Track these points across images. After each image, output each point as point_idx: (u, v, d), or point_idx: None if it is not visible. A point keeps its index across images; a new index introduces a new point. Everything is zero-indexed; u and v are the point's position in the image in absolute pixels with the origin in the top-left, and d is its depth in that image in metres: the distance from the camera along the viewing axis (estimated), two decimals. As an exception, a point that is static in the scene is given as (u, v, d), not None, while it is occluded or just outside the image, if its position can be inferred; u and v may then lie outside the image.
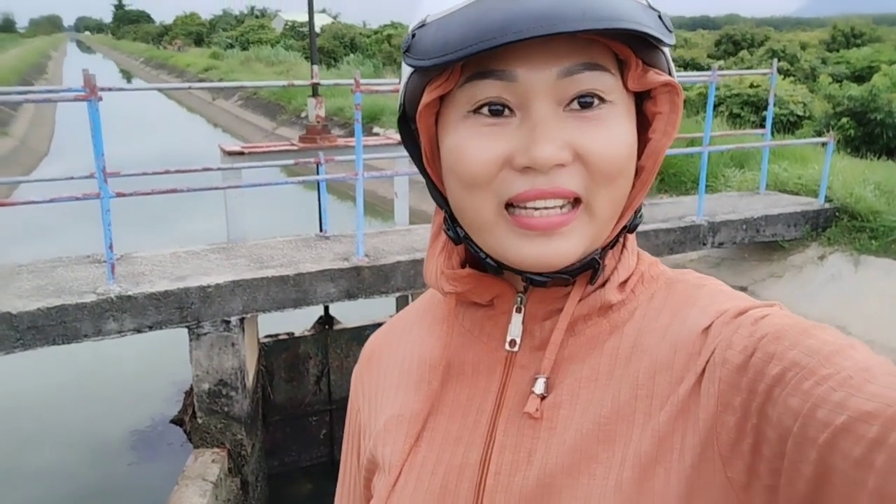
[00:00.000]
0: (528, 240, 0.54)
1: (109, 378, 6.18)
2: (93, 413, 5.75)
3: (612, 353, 0.59)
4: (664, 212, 5.81)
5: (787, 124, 11.73)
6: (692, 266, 6.49)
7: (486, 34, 0.49)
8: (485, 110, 0.54)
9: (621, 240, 0.62)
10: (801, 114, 12.06)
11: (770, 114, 6.54)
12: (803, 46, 23.81)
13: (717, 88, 11.79)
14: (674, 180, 8.12)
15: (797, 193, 6.67)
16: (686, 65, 20.43)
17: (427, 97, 0.55)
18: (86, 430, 5.53)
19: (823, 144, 6.33)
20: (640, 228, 5.26)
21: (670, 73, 0.57)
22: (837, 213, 6.16)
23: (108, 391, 6.06)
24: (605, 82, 0.53)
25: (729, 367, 0.51)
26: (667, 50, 0.56)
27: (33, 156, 16.40)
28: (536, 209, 0.54)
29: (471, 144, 0.54)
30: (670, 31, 0.54)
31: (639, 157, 0.58)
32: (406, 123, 0.61)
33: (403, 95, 0.59)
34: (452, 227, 0.61)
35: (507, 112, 0.54)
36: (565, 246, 0.55)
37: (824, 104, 12.42)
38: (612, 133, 0.54)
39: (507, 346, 0.62)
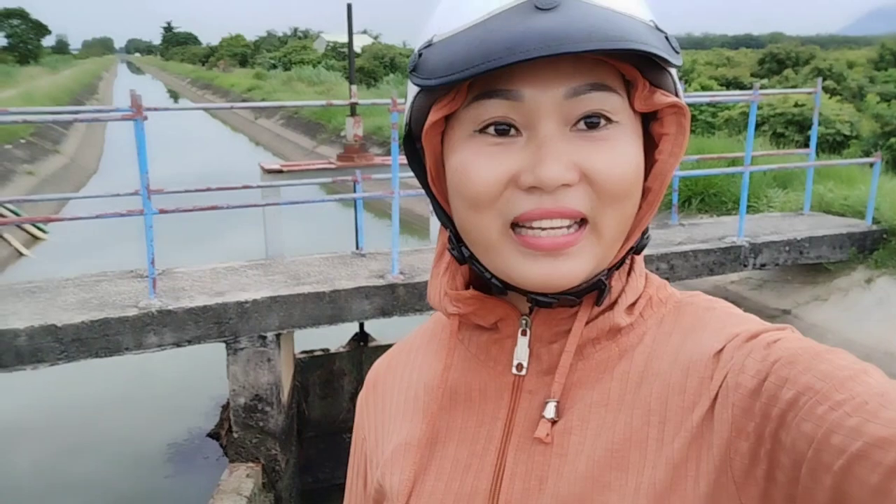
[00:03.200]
0: (534, 260, 0.54)
1: (149, 391, 6.30)
2: (133, 425, 5.86)
3: (622, 378, 0.58)
4: (704, 232, 5.71)
5: (834, 144, 11.47)
6: (733, 288, 6.36)
7: (493, 54, 0.49)
8: (491, 130, 0.54)
9: (628, 262, 0.62)
10: (847, 133, 11.77)
11: (814, 133, 6.41)
12: (850, 65, 23.33)
13: (761, 107, 11.60)
14: (714, 200, 8.00)
15: (843, 215, 6.50)
16: (728, 84, 20.15)
17: (433, 116, 0.56)
18: (126, 442, 5.62)
19: (871, 165, 6.16)
20: (679, 249, 5.20)
21: (677, 95, 0.57)
22: (885, 235, 5.98)
23: (147, 404, 6.17)
24: (611, 103, 0.53)
25: (742, 392, 0.50)
26: (674, 71, 0.56)
27: (83, 173, 16.92)
28: (542, 229, 0.53)
29: (476, 163, 0.54)
30: (677, 52, 0.54)
31: (645, 178, 0.57)
32: (411, 142, 0.61)
33: (409, 114, 0.59)
34: (457, 246, 0.61)
35: (512, 132, 0.54)
36: (571, 266, 0.54)
37: (872, 124, 12.11)
38: (618, 153, 0.53)
39: (514, 371, 0.61)
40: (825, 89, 14.91)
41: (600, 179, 0.53)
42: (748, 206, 5.72)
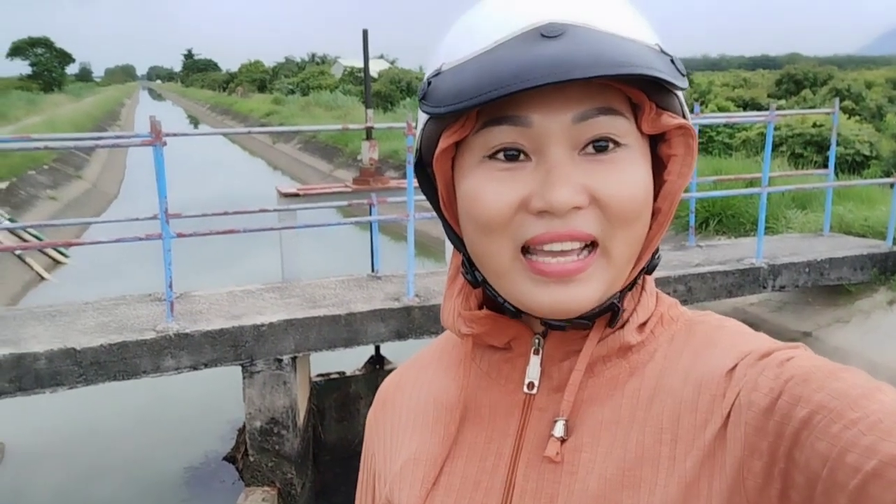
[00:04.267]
0: (545, 286, 0.54)
1: (166, 414, 6.31)
2: (149, 448, 5.87)
3: (633, 395, 0.58)
4: (722, 254, 5.67)
5: (853, 164, 11.38)
6: (753, 310, 6.28)
7: (501, 81, 0.50)
8: (500, 155, 0.55)
9: (640, 281, 0.62)
10: (867, 154, 11.68)
11: (833, 153, 6.37)
12: (869, 85, 23.19)
13: (779, 128, 11.55)
14: (732, 222, 7.94)
15: (864, 235, 6.43)
16: (745, 105, 20.10)
17: (443, 143, 0.56)
18: (142, 465, 5.63)
19: (891, 185, 6.10)
20: (697, 270, 5.15)
21: (684, 116, 0.57)
22: (908, 256, 5.90)
23: (164, 427, 6.18)
24: (619, 126, 0.54)
25: (755, 410, 0.50)
26: (680, 93, 0.57)
27: (104, 198, 17.15)
28: (553, 255, 0.54)
29: (487, 189, 0.55)
30: (683, 75, 0.55)
31: (655, 199, 0.58)
32: (422, 168, 0.63)
33: (420, 141, 0.60)
34: (471, 270, 0.61)
35: (522, 157, 0.54)
36: (583, 292, 0.54)
37: (892, 143, 12.03)
38: (627, 176, 0.54)
39: (525, 389, 0.62)
40: (844, 109, 14.80)
41: (610, 202, 0.53)
42: (766, 228, 5.67)
